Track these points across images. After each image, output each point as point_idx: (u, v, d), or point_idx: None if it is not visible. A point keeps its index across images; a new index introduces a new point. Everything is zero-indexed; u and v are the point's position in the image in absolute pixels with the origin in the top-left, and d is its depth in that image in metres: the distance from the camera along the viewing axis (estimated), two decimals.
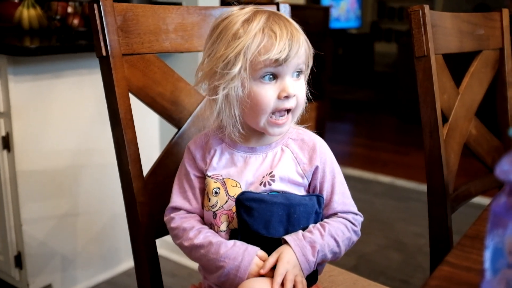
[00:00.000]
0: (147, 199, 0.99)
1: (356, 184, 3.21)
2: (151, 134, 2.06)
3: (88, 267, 1.95)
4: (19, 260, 1.75)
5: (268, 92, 0.84)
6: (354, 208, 0.94)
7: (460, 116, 1.23)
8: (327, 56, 4.03)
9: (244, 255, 0.83)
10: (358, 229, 0.93)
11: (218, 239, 0.86)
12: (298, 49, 0.84)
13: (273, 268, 0.83)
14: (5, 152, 1.66)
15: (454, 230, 1.19)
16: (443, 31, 1.14)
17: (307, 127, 0.96)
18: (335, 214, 0.92)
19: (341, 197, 0.92)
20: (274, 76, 0.85)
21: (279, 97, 0.84)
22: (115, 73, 0.93)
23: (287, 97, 0.84)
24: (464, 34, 1.22)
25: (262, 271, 0.82)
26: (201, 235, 0.88)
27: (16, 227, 1.72)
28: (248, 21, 0.84)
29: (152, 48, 1.00)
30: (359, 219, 0.94)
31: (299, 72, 0.87)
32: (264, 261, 0.83)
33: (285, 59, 0.82)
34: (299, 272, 0.82)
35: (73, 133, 1.80)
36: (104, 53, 0.93)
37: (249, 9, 0.87)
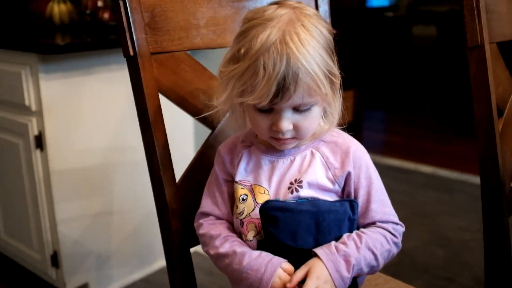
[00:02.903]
0: (180, 206, 0.94)
1: (396, 174, 3.11)
2: (185, 136, 2.01)
3: (123, 265, 1.93)
4: (55, 260, 1.74)
5: (261, 122, 0.79)
6: (395, 218, 0.86)
7: None
8: (364, 42, 3.91)
9: (268, 266, 0.76)
10: (399, 240, 0.85)
11: (243, 249, 0.80)
12: (292, 94, 0.72)
13: (302, 283, 0.75)
14: (38, 151, 1.64)
15: None
16: (498, 17, 1.04)
17: (343, 129, 0.88)
18: (373, 223, 0.84)
19: (380, 205, 0.84)
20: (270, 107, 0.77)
21: (271, 128, 0.78)
22: (143, 73, 0.88)
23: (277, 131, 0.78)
24: None
25: (289, 286, 0.74)
26: (227, 243, 0.82)
27: (52, 226, 1.71)
28: (256, 36, 0.73)
29: (182, 45, 0.94)
30: (400, 229, 0.86)
31: (304, 106, 0.77)
32: (289, 274, 0.76)
33: (269, 104, 0.74)
34: None
35: (105, 130, 1.77)
36: (131, 53, 0.87)
37: (279, 11, 0.75)
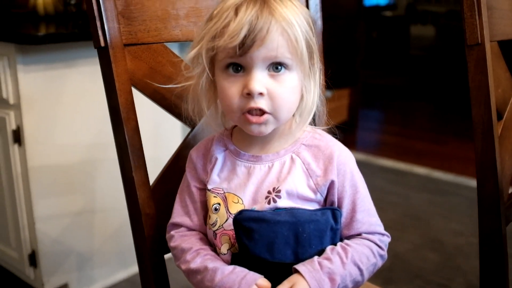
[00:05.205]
0: (154, 211, 0.87)
1: (389, 175, 3.04)
2: (171, 136, 1.94)
3: (106, 265, 1.86)
4: (33, 259, 1.67)
5: (231, 87, 0.71)
6: (381, 228, 0.80)
7: None
8: (361, 40, 3.84)
9: (241, 284, 0.69)
10: (385, 253, 0.79)
11: (215, 264, 0.74)
12: (265, 36, 0.67)
13: None
14: (16, 146, 1.57)
15: None
16: (499, 14, 0.97)
17: (327, 130, 0.81)
18: (358, 235, 0.78)
19: (366, 215, 0.78)
20: (242, 67, 0.70)
21: (242, 94, 0.70)
22: (115, 66, 0.81)
23: (249, 94, 0.70)
24: None
25: None
26: (199, 258, 0.76)
27: (30, 224, 1.64)
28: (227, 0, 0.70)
29: (159, 37, 0.88)
30: (387, 240, 0.80)
31: (279, 65, 0.70)
32: None
33: (241, 48, 0.67)
34: None
35: (88, 125, 1.69)
36: (102, 44, 0.80)
37: None
